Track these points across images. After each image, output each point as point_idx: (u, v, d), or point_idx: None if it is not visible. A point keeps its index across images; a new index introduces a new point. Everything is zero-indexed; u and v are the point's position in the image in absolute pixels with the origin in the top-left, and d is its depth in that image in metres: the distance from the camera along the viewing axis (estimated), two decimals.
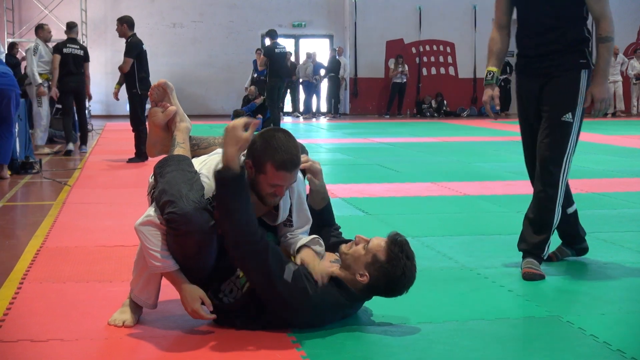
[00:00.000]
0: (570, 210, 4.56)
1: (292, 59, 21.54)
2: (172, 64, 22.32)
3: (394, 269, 3.20)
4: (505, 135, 14.91)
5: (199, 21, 22.85)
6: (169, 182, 3.20)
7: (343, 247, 3.37)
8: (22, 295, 3.91)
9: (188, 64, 22.64)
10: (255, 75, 19.31)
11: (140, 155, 10.36)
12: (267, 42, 16.28)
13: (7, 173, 8.52)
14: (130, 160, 10.34)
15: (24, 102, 10.86)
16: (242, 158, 3.23)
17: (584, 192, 7.37)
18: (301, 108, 22.81)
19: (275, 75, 15.62)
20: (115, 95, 11.17)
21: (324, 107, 23.45)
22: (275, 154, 3.16)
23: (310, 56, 22.39)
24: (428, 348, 3.12)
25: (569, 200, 4.52)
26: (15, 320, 3.49)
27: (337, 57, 22.48)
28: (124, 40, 10.64)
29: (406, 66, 22.52)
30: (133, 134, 10.60)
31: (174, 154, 3.47)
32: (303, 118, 21.87)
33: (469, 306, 3.69)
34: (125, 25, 10.56)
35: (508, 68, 23.14)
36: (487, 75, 4.55)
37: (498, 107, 4.57)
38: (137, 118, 10.57)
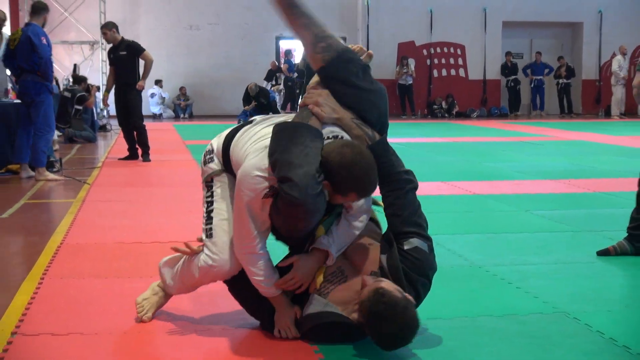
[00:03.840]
0: None
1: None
2: (189, 66, 22.36)
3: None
4: (514, 136, 14.87)
5: (215, 23, 22.87)
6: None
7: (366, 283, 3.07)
8: (43, 290, 3.94)
9: (204, 66, 22.67)
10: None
11: (147, 152, 10.43)
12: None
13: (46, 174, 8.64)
14: (145, 159, 10.38)
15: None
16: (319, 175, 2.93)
17: (591, 191, 7.35)
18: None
19: (309, 77, 16.07)
20: (105, 101, 11.58)
21: None
22: (359, 184, 2.99)
23: None
24: (438, 344, 3.13)
25: None
26: (37, 315, 3.51)
27: None
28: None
29: (412, 68, 22.45)
30: (135, 132, 10.60)
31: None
32: None
33: (478, 303, 3.69)
34: (114, 29, 10.61)
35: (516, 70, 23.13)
36: None
37: None
38: (140, 115, 10.66)
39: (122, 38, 10.66)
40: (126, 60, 10.48)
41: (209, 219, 3.26)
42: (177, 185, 7.96)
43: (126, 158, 10.54)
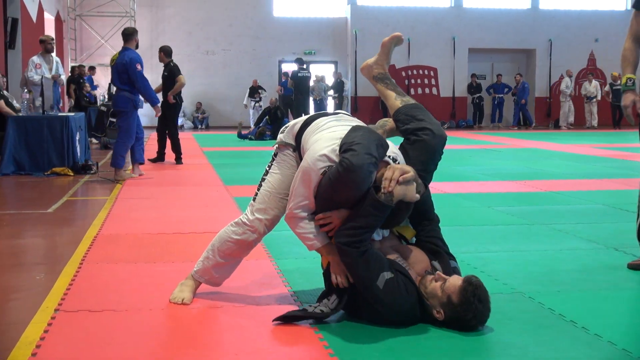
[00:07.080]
0: None
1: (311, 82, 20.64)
2: (206, 84, 22.35)
3: (466, 312, 2.85)
4: (478, 144, 14.87)
5: (227, 49, 22.85)
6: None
7: (427, 280, 2.98)
8: (82, 273, 3.92)
9: (219, 85, 22.66)
10: (282, 92, 19.55)
11: (179, 157, 10.42)
12: (295, 67, 17.25)
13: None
14: (177, 162, 10.37)
15: (83, 114, 10.93)
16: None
17: (543, 190, 7.35)
18: None
19: (299, 94, 16.32)
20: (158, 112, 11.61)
21: None
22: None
23: (319, 79, 22.38)
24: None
25: None
26: (76, 294, 3.49)
27: (339, 80, 22.49)
28: (162, 65, 10.82)
29: None
30: (169, 140, 10.60)
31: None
32: None
33: None
34: (163, 53, 10.69)
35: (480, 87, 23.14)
36: (627, 81, 4.08)
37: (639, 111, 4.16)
38: (175, 125, 10.69)
39: (170, 60, 10.65)
40: (167, 79, 10.58)
41: (260, 185, 3.24)
42: (196, 185, 7.93)
43: (154, 160, 10.51)
